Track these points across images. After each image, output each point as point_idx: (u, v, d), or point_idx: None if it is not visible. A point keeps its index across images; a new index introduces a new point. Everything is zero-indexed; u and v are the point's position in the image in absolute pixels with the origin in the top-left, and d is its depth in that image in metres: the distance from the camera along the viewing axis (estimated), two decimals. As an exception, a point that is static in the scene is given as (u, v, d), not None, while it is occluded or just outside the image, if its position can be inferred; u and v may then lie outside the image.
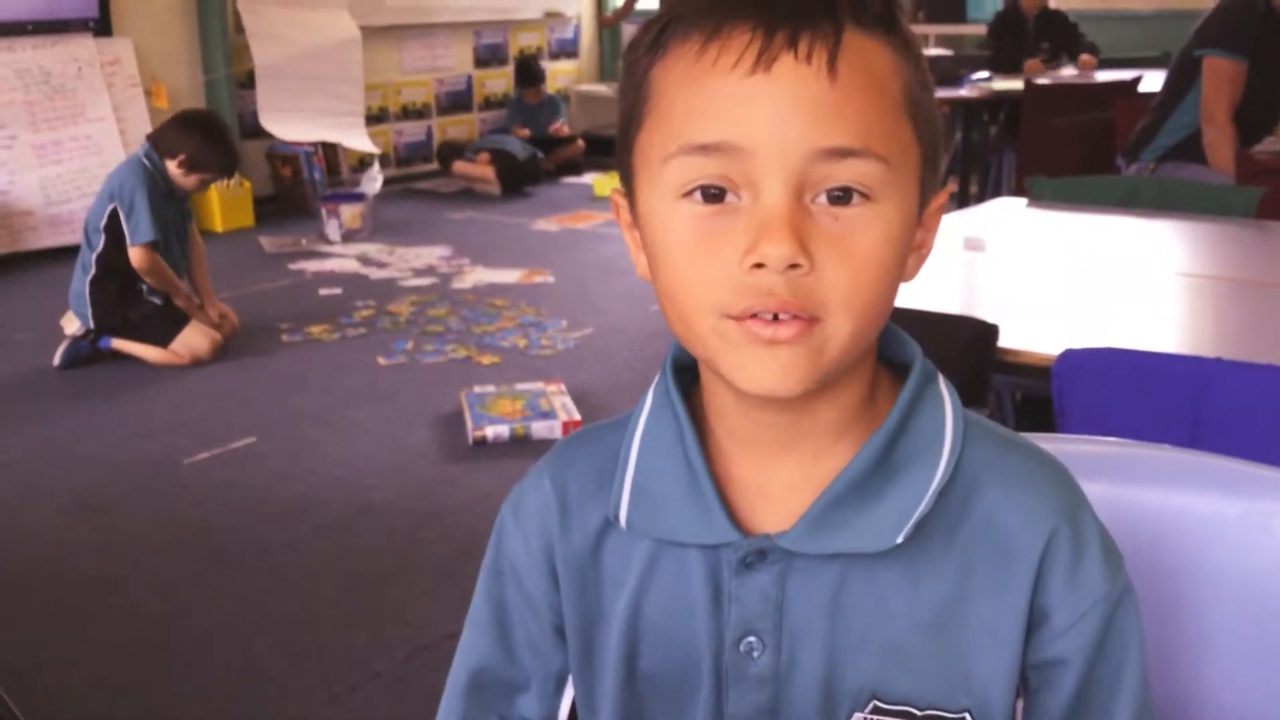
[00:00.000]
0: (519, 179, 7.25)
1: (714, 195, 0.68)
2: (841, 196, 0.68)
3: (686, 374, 0.80)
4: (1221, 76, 3.60)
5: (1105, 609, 0.74)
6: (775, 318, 0.68)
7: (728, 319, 0.69)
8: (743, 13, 0.67)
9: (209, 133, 4.24)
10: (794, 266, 0.66)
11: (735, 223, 0.68)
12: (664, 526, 0.77)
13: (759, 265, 0.67)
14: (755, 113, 0.66)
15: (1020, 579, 0.74)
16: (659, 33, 0.71)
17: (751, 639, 0.76)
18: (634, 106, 0.73)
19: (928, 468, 0.74)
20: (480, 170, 7.26)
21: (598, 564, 0.81)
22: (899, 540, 0.73)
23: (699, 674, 0.78)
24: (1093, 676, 0.75)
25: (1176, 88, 3.78)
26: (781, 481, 0.76)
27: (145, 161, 4.17)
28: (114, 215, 4.14)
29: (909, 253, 0.73)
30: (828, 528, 0.73)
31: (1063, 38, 6.20)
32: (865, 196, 0.68)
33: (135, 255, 4.13)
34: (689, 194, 0.69)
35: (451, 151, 7.59)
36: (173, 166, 4.18)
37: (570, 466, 0.83)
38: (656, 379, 0.81)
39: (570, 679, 0.85)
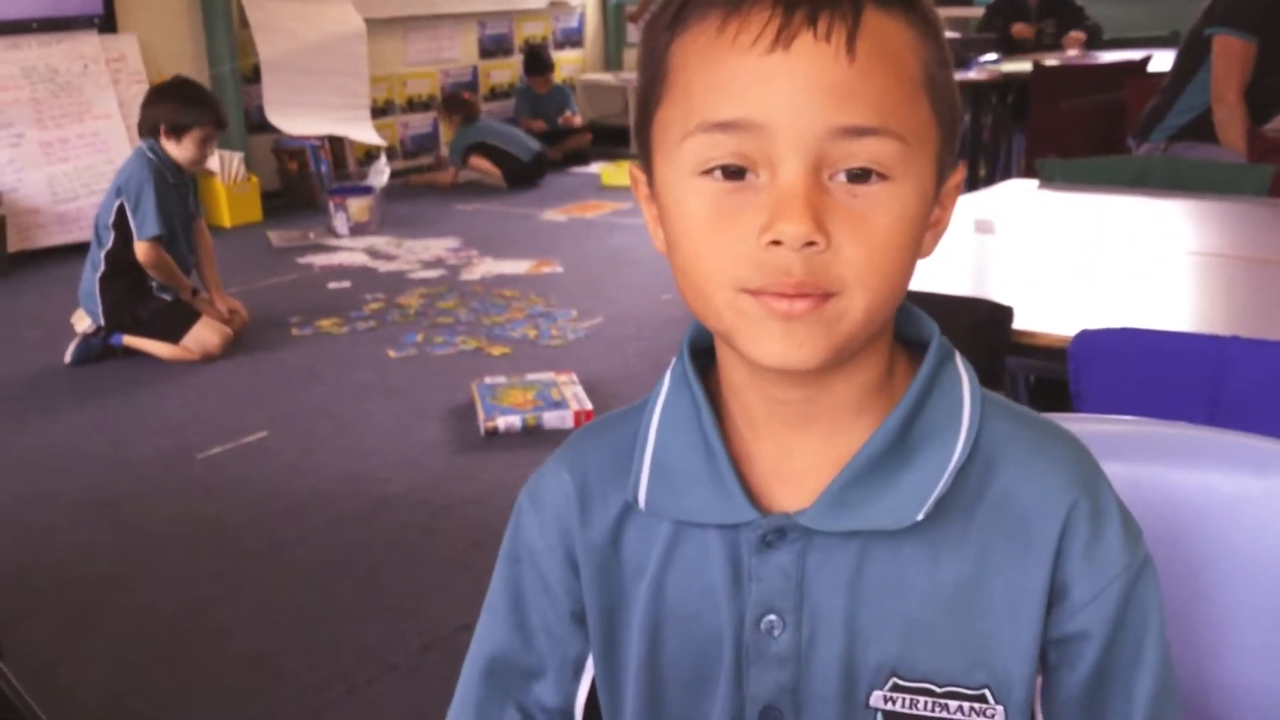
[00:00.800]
0: (524, 178, 7.20)
1: (733, 172, 0.69)
2: (859, 175, 0.68)
3: (703, 356, 0.81)
4: (1232, 55, 3.58)
5: (1125, 582, 0.74)
6: (789, 294, 0.68)
7: (744, 293, 0.69)
8: None
9: (179, 93, 4.24)
10: (810, 244, 0.67)
11: (753, 199, 0.68)
12: (683, 507, 0.78)
13: (776, 242, 0.67)
14: (773, 91, 0.66)
15: (1040, 554, 0.74)
16: (679, 8, 0.71)
17: (772, 617, 0.76)
18: (653, 82, 0.73)
19: (946, 445, 0.74)
20: (484, 165, 7.22)
21: (618, 550, 0.81)
22: (919, 517, 0.73)
23: (720, 654, 0.78)
24: (1113, 650, 0.75)
25: (1186, 67, 3.75)
26: (799, 460, 0.76)
27: (149, 154, 4.18)
28: (122, 211, 4.15)
29: (926, 230, 0.73)
30: (847, 505, 0.74)
31: (1066, 17, 6.17)
32: (883, 176, 0.68)
33: (140, 250, 4.14)
34: (708, 171, 0.69)
35: (457, 103, 7.33)
36: (167, 145, 4.17)
37: (589, 454, 0.84)
38: (673, 362, 0.82)
39: (588, 665, 0.85)
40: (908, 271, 0.71)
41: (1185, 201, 2.68)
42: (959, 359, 0.78)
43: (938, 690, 0.74)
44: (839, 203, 0.67)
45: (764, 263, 0.68)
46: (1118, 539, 0.74)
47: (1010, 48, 5.97)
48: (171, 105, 4.18)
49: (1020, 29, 6.04)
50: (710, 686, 0.79)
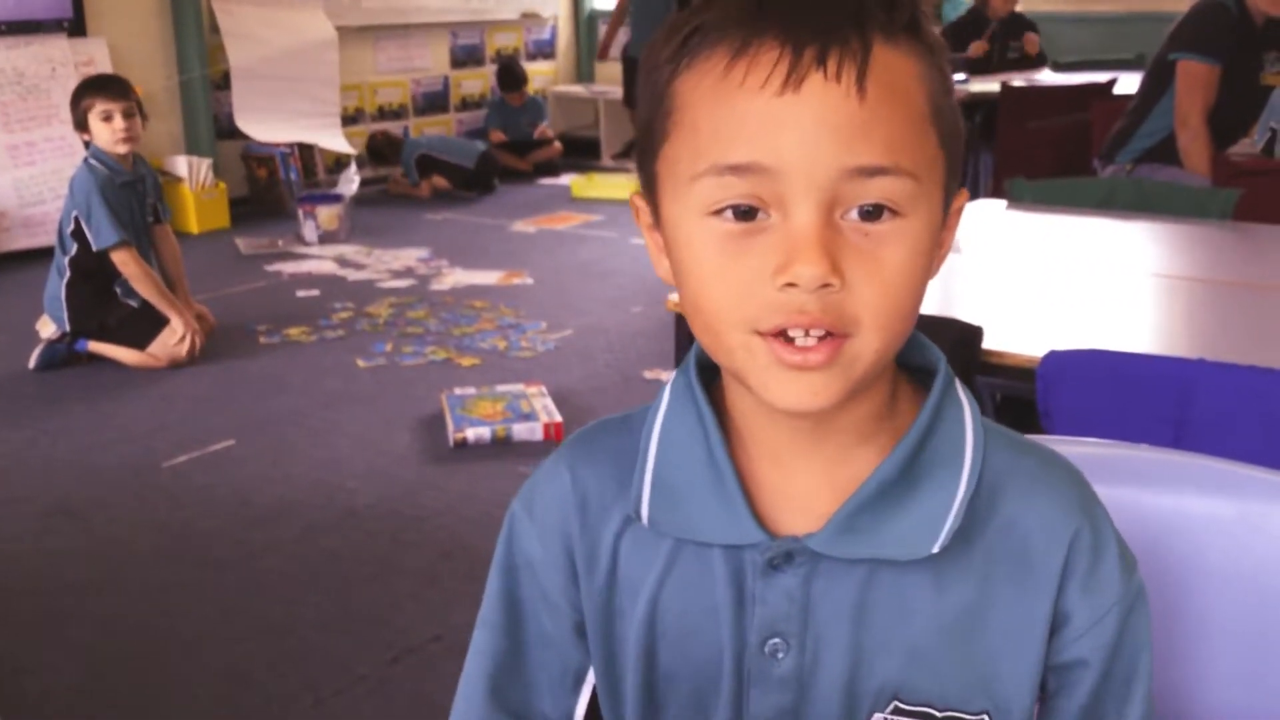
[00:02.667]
0: (475, 183, 7.20)
1: (744, 213, 0.68)
2: (871, 213, 0.68)
3: (707, 371, 0.80)
4: (1195, 80, 3.64)
5: (1122, 610, 0.76)
6: (806, 333, 0.68)
7: (756, 335, 0.69)
8: (771, 28, 0.67)
9: (78, 86, 4.26)
10: (826, 286, 0.67)
11: (766, 240, 0.68)
12: (687, 525, 0.77)
13: (791, 284, 0.67)
14: (785, 134, 0.66)
15: (1044, 583, 0.75)
16: (683, 43, 0.70)
17: (776, 640, 0.76)
18: (657, 117, 0.73)
19: (952, 474, 0.75)
20: (440, 183, 7.21)
21: (616, 562, 0.81)
22: (935, 549, 0.73)
23: (719, 674, 0.78)
24: (1109, 677, 0.77)
25: (1151, 91, 3.81)
26: (802, 483, 0.77)
27: (92, 161, 4.16)
28: (79, 222, 4.13)
29: (935, 257, 0.73)
30: (857, 532, 0.74)
31: (1019, 36, 6.25)
32: (895, 212, 0.68)
33: (115, 261, 4.12)
34: (718, 211, 0.69)
35: (387, 147, 7.33)
36: (94, 140, 4.15)
37: (589, 462, 0.83)
38: (674, 375, 0.81)
39: (588, 677, 0.85)
40: (918, 305, 0.72)
41: (1151, 224, 2.73)
42: (959, 386, 0.79)
43: (938, 715, 0.75)
44: (851, 242, 0.68)
45: (778, 304, 0.67)
46: (1116, 568, 0.76)
47: (970, 68, 6.04)
48: (74, 98, 4.20)
49: (976, 46, 6.12)
50: (709, 705, 0.79)
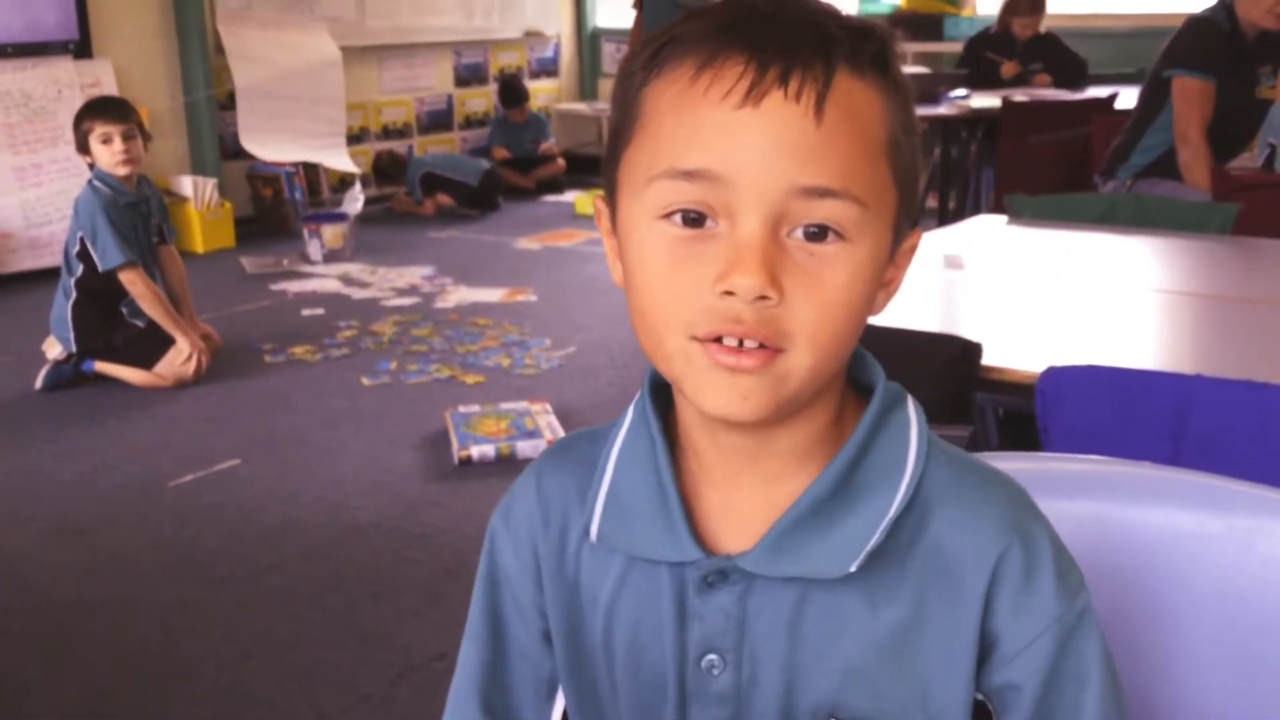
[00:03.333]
0: (479, 200, 7.23)
1: (693, 219, 0.70)
2: (817, 234, 0.69)
3: (664, 392, 0.82)
4: (1191, 96, 3.66)
5: (1059, 631, 0.74)
6: (740, 344, 0.69)
7: (694, 341, 0.71)
8: (738, 44, 0.69)
9: (81, 110, 4.27)
10: (763, 298, 0.68)
11: (711, 248, 0.70)
12: (633, 542, 0.79)
13: (729, 293, 0.68)
14: (740, 146, 0.68)
15: (969, 604, 0.74)
16: (656, 51, 0.73)
17: (713, 656, 0.78)
18: (624, 121, 0.75)
19: (886, 494, 0.75)
20: (444, 201, 7.25)
21: (579, 573, 0.83)
22: (852, 569, 0.74)
23: (665, 688, 0.80)
24: (1049, 701, 0.75)
25: (1148, 107, 3.83)
26: (744, 502, 0.78)
27: (95, 183, 4.18)
28: (85, 243, 4.15)
29: (878, 290, 0.74)
30: (786, 550, 0.75)
31: (1056, 59, 6.23)
32: (840, 235, 0.70)
33: (122, 279, 4.14)
34: (669, 215, 0.71)
35: (392, 166, 7.40)
36: (97, 160, 4.16)
37: (554, 476, 0.85)
38: (638, 395, 0.83)
39: (560, 686, 0.87)
40: (858, 330, 0.73)
41: (1151, 239, 2.73)
42: (910, 404, 0.79)
43: None
44: (795, 260, 0.69)
45: (716, 310, 0.69)
46: (1051, 588, 0.74)
47: (991, 83, 6.03)
48: (74, 123, 4.22)
49: (1009, 67, 6.12)
50: (658, 718, 0.81)
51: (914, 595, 0.75)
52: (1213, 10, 3.71)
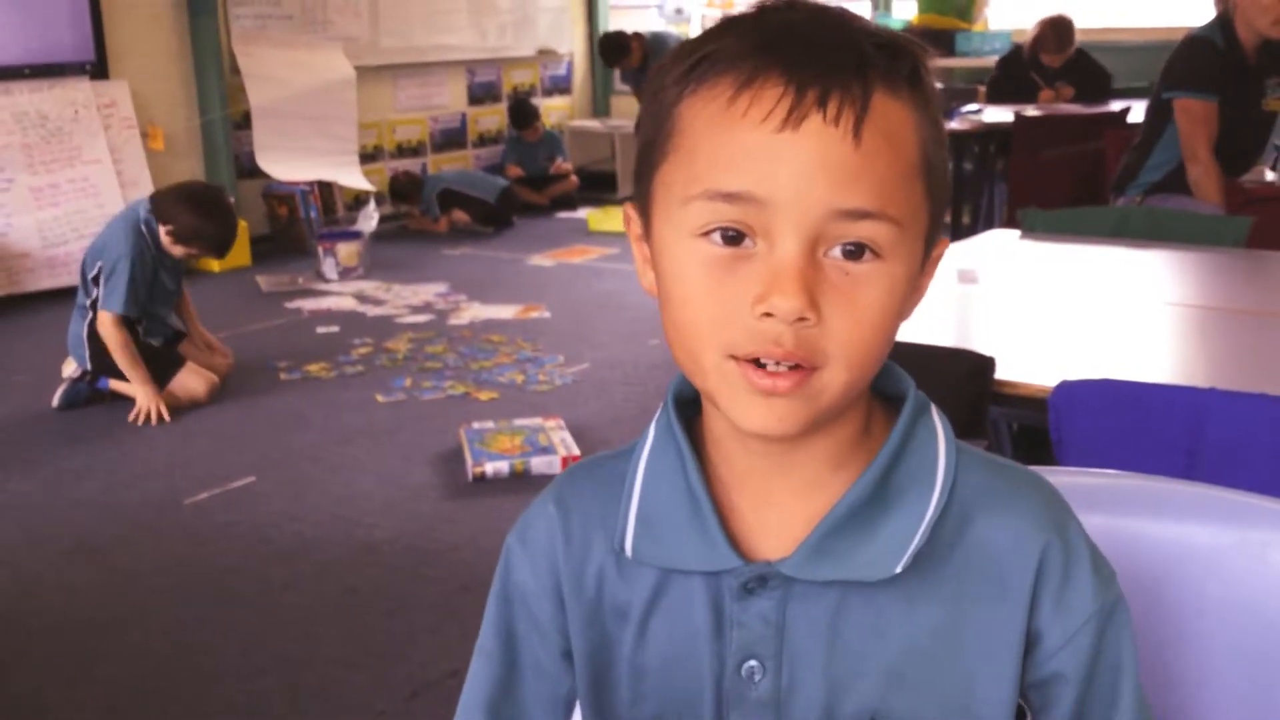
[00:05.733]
0: (496, 218, 7.25)
1: (731, 238, 0.71)
2: (853, 252, 0.70)
3: (688, 406, 0.83)
4: (1195, 116, 3.67)
5: (1098, 623, 0.77)
6: (776, 362, 0.70)
7: (730, 360, 0.71)
8: (776, 64, 0.69)
9: (205, 210, 4.16)
10: (801, 319, 0.69)
11: (749, 268, 0.70)
12: (668, 555, 0.80)
13: (768, 314, 0.69)
14: (780, 169, 0.69)
15: (1015, 602, 0.76)
16: (691, 68, 0.73)
17: (753, 663, 0.78)
18: (658, 136, 0.75)
19: (922, 497, 0.76)
20: (460, 217, 7.27)
21: (602, 593, 0.83)
22: (898, 570, 0.75)
23: (701, 699, 0.80)
24: (1090, 690, 0.77)
25: (1153, 126, 3.84)
26: (778, 510, 0.79)
27: (142, 227, 4.13)
28: (100, 274, 4.15)
29: (910, 301, 0.75)
30: (827, 555, 0.76)
31: (1081, 73, 6.22)
32: (876, 255, 0.71)
33: (103, 319, 4.10)
34: (707, 234, 0.71)
35: (409, 186, 7.40)
36: (163, 232, 4.13)
37: (575, 497, 0.86)
38: (659, 412, 0.84)
39: (577, 704, 0.87)
40: (889, 345, 0.74)
41: (1164, 252, 2.73)
42: (934, 411, 0.80)
43: None
44: (831, 279, 0.70)
45: (755, 331, 0.70)
46: (1089, 581, 0.76)
47: (1024, 99, 6.02)
48: (191, 219, 4.11)
49: (1046, 95, 6.13)
50: None
51: (954, 596, 0.76)
52: (1208, 29, 3.72)
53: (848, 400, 0.74)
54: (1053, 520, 0.77)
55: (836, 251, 0.70)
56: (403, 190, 7.40)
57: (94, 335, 4.18)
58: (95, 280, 4.17)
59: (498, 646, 0.87)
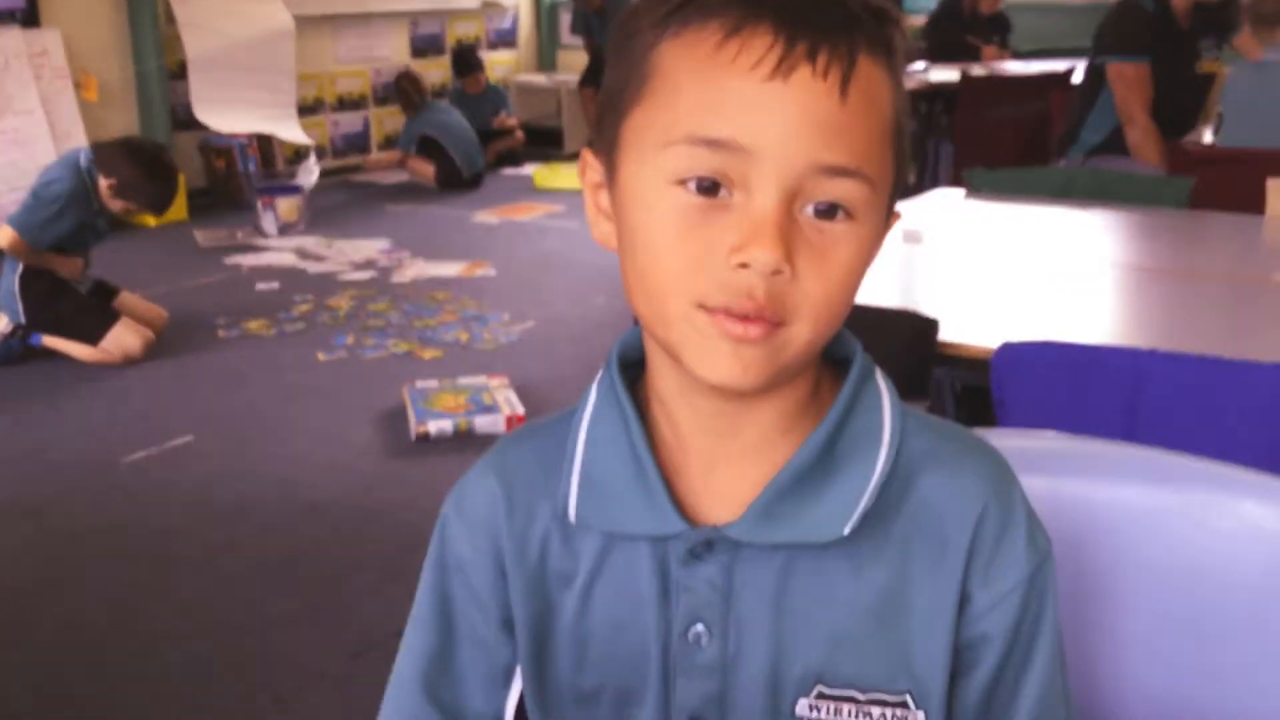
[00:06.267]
0: (457, 184, 7.15)
1: (707, 188, 0.70)
2: (827, 211, 0.70)
3: (630, 369, 0.82)
4: (1129, 80, 3.71)
5: (1025, 589, 0.77)
6: (746, 316, 0.69)
7: (700, 310, 0.70)
8: (767, 15, 0.68)
9: (149, 167, 4.10)
10: (777, 273, 0.69)
11: (725, 218, 0.69)
12: (613, 519, 0.79)
13: (744, 265, 0.68)
14: (767, 118, 0.68)
15: (953, 561, 0.77)
16: (673, 9, 0.71)
17: (699, 628, 0.78)
18: (632, 77, 0.73)
19: (869, 460, 0.76)
20: (418, 166, 7.17)
21: (546, 560, 0.82)
22: (846, 531, 0.75)
23: (647, 664, 0.80)
24: (1010, 652, 0.78)
25: (1089, 89, 3.89)
26: (726, 473, 0.78)
27: (83, 173, 4.06)
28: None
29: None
30: (774, 518, 0.75)
31: (1006, 34, 6.31)
32: (848, 215, 0.70)
33: (4, 234, 4.04)
34: (683, 182, 0.70)
35: (410, 86, 7.31)
36: (104, 184, 4.06)
37: (515, 462, 0.84)
38: (600, 374, 0.82)
39: (517, 673, 0.86)
40: (851, 305, 0.74)
41: (1108, 213, 2.75)
42: (879, 375, 0.80)
43: (861, 698, 0.77)
44: (805, 237, 0.70)
45: (728, 282, 0.69)
46: (1023, 547, 0.77)
47: (960, 56, 6.07)
48: (134, 174, 4.05)
49: (989, 51, 6.18)
50: (638, 696, 0.81)
51: (899, 557, 0.76)
52: None
53: (807, 358, 0.74)
54: (994, 484, 0.78)
55: (810, 210, 0.70)
56: (406, 91, 7.27)
57: (26, 288, 4.09)
58: None
59: (433, 616, 0.86)
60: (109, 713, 2.23)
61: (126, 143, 4.24)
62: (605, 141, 0.76)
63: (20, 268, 4.10)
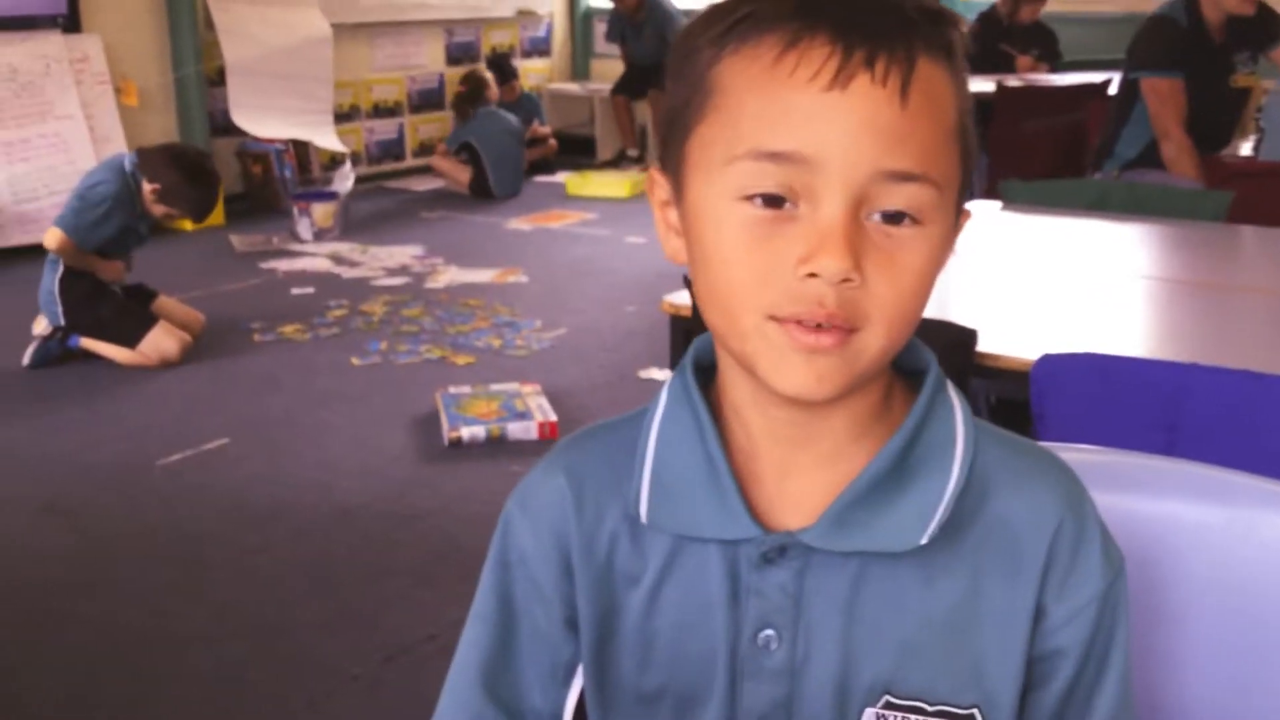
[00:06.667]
0: (486, 195, 7.17)
1: (772, 200, 0.70)
2: (894, 217, 0.70)
3: (702, 374, 0.82)
4: (1162, 95, 3.69)
5: (1101, 602, 0.77)
6: (818, 325, 0.70)
7: (772, 321, 0.71)
8: (823, 25, 0.69)
9: (192, 174, 4.18)
10: (846, 280, 0.69)
11: (791, 229, 0.70)
12: (684, 521, 0.79)
13: (813, 275, 0.69)
14: (829, 128, 0.68)
15: (1029, 575, 0.77)
16: (728, 28, 0.72)
17: (769, 632, 0.78)
18: (694, 95, 0.74)
19: (943, 470, 0.77)
20: (453, 170, 7.20)
21: (613, 559, 0.82)
22: (923, 540, 0.75)
23: (714, 667, 0.80)
24: (1085, 667, 0.78)
25: (1124, 103, 3.86)
26: (798, 480, 0.78)
27: (128, 176, 4.14)
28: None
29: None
30: (849, 526, 0.76)
31: (1046, 45, 6.26)
32: (916, 220, 0.70)
33: (53, 236, 4.09)
34: (749, 197, 0.71)
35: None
36: (147, 189, 4.14)
37: (585, 461, 0.85)
38: (672, 376, 0.83)
39: (578, 671, 0.86)
40: (923, 310, 0.74)
41: (1145, 226, 2.73)
42: (950, 387, 0.80)
43: (929, 709, 0.77)
44: (873, 242, 0.70)
45: (798, 293, 0.69)
46: (1098, 560, 0.77)
47: (997, 70, 6.04)
48: (178, 180, 4.12)
49: (1024, 61, 6.15)
50: (702, 699, 0.81)
51: (971, 569, 0.77)
52: (1169, 7, 3.74)
53: (882, 365, 0.74)
54: (1068, 497, 0.78)
55: (877, 216, 0.70)
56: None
57: (66, 290, 4.13)
58: None
59: (494, 612, 0.86)
60: (141, 714, 2.25)
61: (170, 149, 4.32)
62: (671, 160, 0.77)
63: (60, 269, 4.14)
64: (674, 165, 0.76)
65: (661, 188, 0.79)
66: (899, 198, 0.69)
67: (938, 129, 0.71)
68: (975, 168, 0.77)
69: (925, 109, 0.69)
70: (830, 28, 0.69)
